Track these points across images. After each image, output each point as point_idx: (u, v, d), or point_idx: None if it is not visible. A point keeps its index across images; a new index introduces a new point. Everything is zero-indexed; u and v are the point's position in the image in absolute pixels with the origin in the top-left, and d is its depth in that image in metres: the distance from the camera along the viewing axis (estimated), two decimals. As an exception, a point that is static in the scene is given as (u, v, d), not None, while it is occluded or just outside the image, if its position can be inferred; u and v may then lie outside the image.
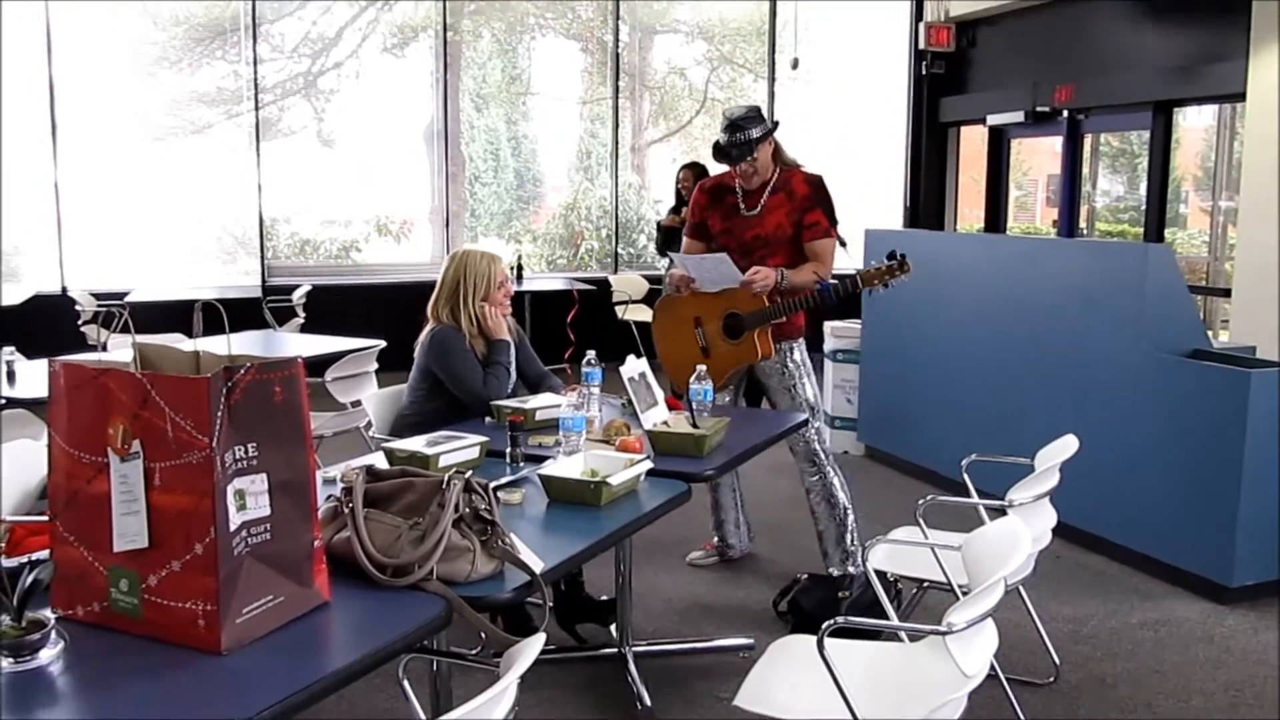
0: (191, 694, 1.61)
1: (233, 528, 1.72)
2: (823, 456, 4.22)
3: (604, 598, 3.78)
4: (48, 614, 1.74)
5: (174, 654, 1.70)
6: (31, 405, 4.13)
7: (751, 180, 4.13)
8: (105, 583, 1.78)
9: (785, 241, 4.10)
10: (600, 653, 3.63)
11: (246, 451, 1.75)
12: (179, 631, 1.72)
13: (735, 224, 4.19)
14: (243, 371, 1.73)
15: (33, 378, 4.46)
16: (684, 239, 4.44)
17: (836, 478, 4.23)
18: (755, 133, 4.02)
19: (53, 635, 1.70)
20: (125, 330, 7.44)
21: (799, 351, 4.26)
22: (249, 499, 1.75)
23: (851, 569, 4.14)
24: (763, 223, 4.12)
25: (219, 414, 1.69)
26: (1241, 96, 7.19)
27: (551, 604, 3.98)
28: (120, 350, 5.89)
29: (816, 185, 4.11)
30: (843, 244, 4.19)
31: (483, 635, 1.96)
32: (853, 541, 4.20)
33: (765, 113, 4.19)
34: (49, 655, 1.68)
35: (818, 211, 4.07)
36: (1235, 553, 4.10)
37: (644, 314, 9.01)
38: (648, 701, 3.29)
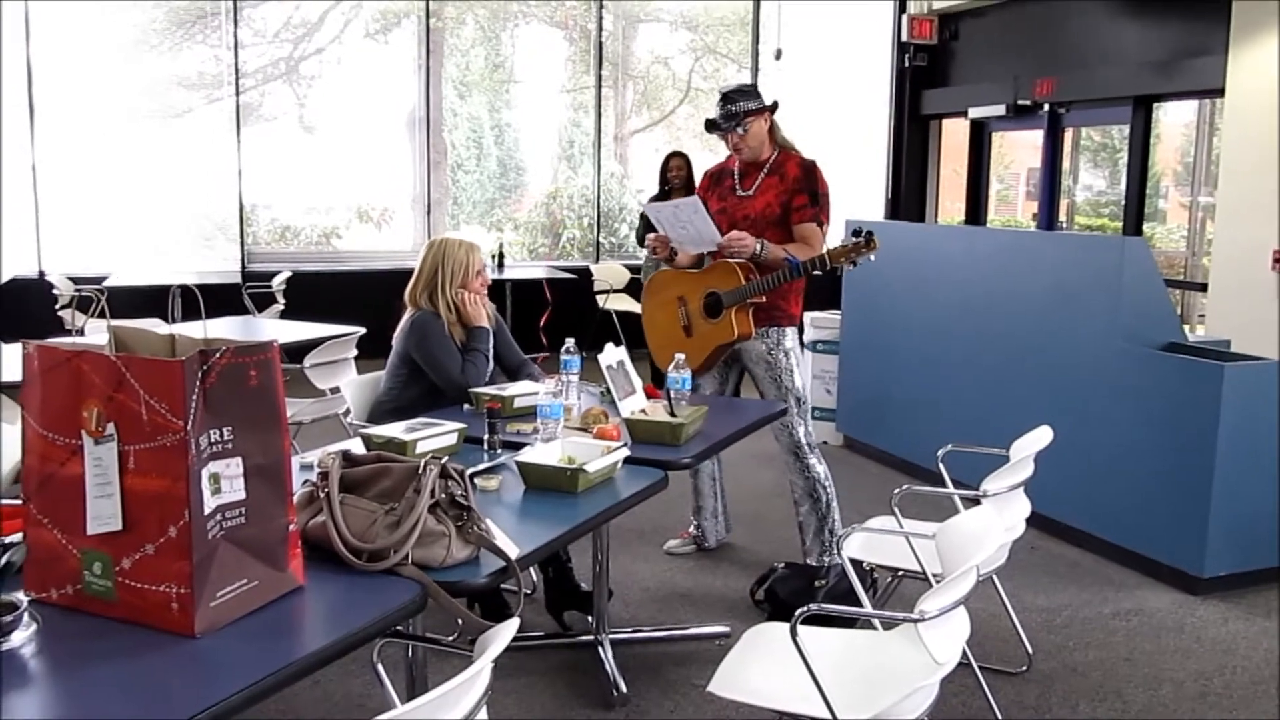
0: (164, 677, 1.61)
1: (207, 511, 1.72)
2: (806, 450, 4.20)
3: (588, 588, 3.79)
4: (20, 596, 1.74)
5: (147, 637, 1.70)
6: (8, 389, 4.11)
7: (743, 153, 4.16)
8: (78, 565, 1.78)
9: (773, 222, 4.10)
10: (577, 640, 3.64)
11: (221, 435, 1.75)
12: (152, 615, 1.72)
13: (729, 204, 4.21)
14: (218, 355, 1.73)
15: (9, 362, 4.43)
16: None
17: (820, 469, 4.22)
18: (744, 105, 4.07)
19: (25, 617, 1.69)
20: (103, 315, 7.40)
21: (789, 340, 4.22)
22: (224, 483, 1.75)
23: (829, 560, 4.16)
24: (754, 203, 4.14)
25: (194, 397, 1.69)
26: (1221, 92, 7.24)
27: (529, 591, 4.00)
28: (97, 334, 5.85)
29: (807, 169, 4.11)
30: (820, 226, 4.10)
31: (459, 621, 1.96)
32: (832, 534, 4.20)
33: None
34: (21, 638, 1.68)
35: (804, 195, 4.08)
36: (1207, 544, 4.14)
37: (625, 303, 9.03)
38: (623, 689, 3.30)
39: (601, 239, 10.27)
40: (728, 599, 4.12)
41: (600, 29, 10.06)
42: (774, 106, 4.17)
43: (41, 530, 1.81)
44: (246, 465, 1.79)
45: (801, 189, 4.08)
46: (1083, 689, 3.44)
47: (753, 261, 4.05)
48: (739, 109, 4.08)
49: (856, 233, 3.90)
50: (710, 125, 4.20)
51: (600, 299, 9.15)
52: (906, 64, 10.41)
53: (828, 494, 4.22)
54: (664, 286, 4.37)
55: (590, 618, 3.61)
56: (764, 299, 4.09)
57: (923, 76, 10.45)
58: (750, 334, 4.13)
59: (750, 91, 4.15)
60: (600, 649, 3.44)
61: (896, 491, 3.26)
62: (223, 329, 5.66)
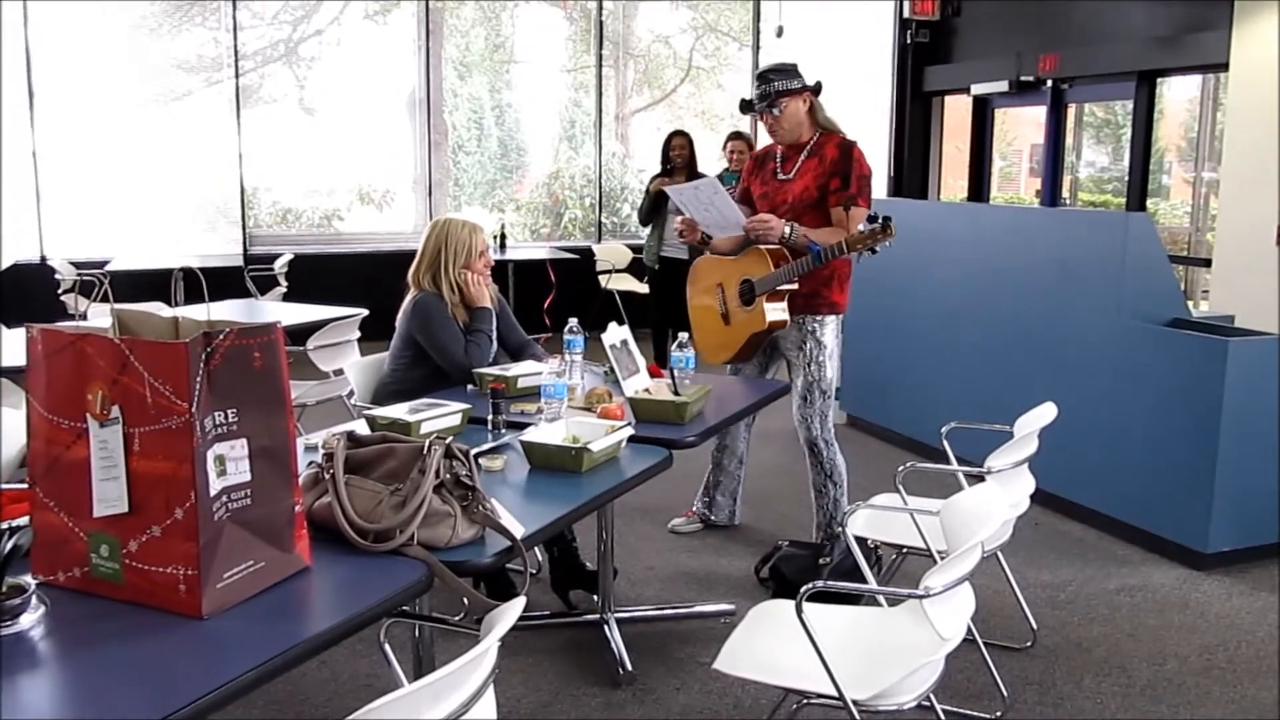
0: (172, 658, 1.62)
1: (213, 493, 1.72)
2: (823, 445, 4.14)
3: (593, 567, 3.80)
4: (28, 579, 1.74)
5: (155, 619, 1.71)
6: (11, 374, 4.11)
7: (779, 135, 4.08)
8: (85, 548, 1.78)
9: (811, 206, 4.00)
10: (583, 619, 3.66)
11: (226, 417, 1.75)
12: (160, 596, 1.73)
13: (771, 188, 4.13)
14: (222, 337, 1.73)
15: (12, 346, 4.43)
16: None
17: (836, 462, 4.16)
18: (780, 85, 3.97)
19: (33, 600, 1.70)
20: (105, 299, 7.40)
21: (827, 329, 4.09)
22: (229, 464, 1.76)
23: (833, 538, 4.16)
24: (792, 187, 4.06)
25: (198, 379, 1.69)
26: (1225, 67, 7.20)
27: (535, 570, 4.01)
28: (100, 318, 5.86)
29: (845, 151, 4.00)
30: (847, 209, 3.99)
31: (465, 601, 1.97)
32: (838, 523, 4.16)
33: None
34: (30, 620, 1.69)
35: (839, 178, 3.98)
36: (1211, 520, 4.15)
37: (627, 283, 9.02)
38: (629, 667, 3.31)
39: (603, 219, 10.24)
40: (733, 577, 4.13)
41: (600, 8, 10.01)
42: (817, 88, 4.05)
43: (48, 514, 1.82)
44: (251, 447, 1.79)
45: (837, 171, 3.98)
46: (1087, 664, 3.45)
47: (784, 246, 3.95)
48: (773, 89, 3.96)
49: (872, 218, 3.79)
50: (745, 105, 4.10)
51: (603, 279, 9.14)
52: (909, 40, 10.36)
53: (838, 488, 4.18)
54: (705, 274, 4.30)
55: (596, 596, 3.62)
56: (797, 285, 3.99)
57: (925, 53, 10.40)
58: (783, 324, 4.02)
59: (788, 71, 4.02)
60: (606, 627, 3.46)
61: (901, 469, 3.26)
62: (226, 312, 5.66)
